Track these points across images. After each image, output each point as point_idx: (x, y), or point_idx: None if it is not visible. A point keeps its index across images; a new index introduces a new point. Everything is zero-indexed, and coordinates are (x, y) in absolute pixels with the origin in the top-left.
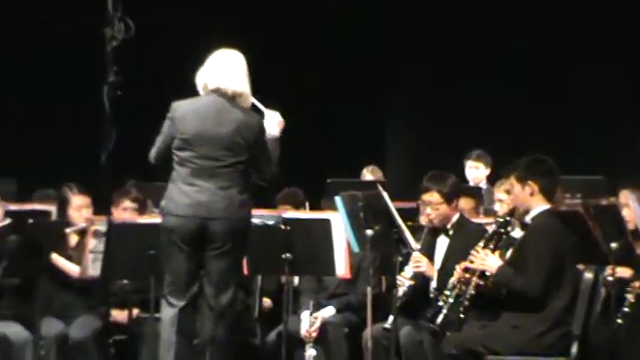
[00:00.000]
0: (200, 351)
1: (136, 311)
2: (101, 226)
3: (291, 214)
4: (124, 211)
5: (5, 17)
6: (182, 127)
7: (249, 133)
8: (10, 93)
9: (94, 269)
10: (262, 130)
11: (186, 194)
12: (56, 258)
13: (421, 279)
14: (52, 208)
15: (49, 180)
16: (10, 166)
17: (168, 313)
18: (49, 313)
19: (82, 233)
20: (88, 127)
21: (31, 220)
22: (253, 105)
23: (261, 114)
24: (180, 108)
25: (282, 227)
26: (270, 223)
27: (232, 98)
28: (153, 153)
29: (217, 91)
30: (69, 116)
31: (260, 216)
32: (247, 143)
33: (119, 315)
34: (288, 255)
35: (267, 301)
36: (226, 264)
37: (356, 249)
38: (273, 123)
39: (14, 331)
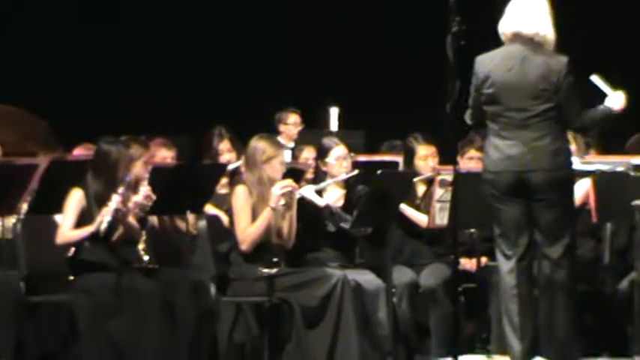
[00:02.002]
0: (542, 300)
1: (484, 260)
2: (447, 176)
3: None
4: (470, 160)
5: None
6: (487, 81)
7: (554, 77)
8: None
9: (441, 218)
10: (568, 72)
11: (498, 149)
12: (404, 208)
13: None
14: (399, 159)
15: (396, 131)
16: (359, 118)
17: (505, 264)
18: (399, 262)
19: (429, 183)
20: (433, 77)
21: (379, 171)
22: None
23: (603, 95)
24: (483, 62)
25: (632, 174)
26: (620, 169)
27: (534, 43)
28: (467, 114)
29: (518, 37)
30: (415, 66)
31: (609, 162)
32: (554, 88)
33: (468, 263)
34: (638, 202)
35: (615, 249)
36: (555, 215)
37: None
38: (614, 103)
39: (367, 279)
